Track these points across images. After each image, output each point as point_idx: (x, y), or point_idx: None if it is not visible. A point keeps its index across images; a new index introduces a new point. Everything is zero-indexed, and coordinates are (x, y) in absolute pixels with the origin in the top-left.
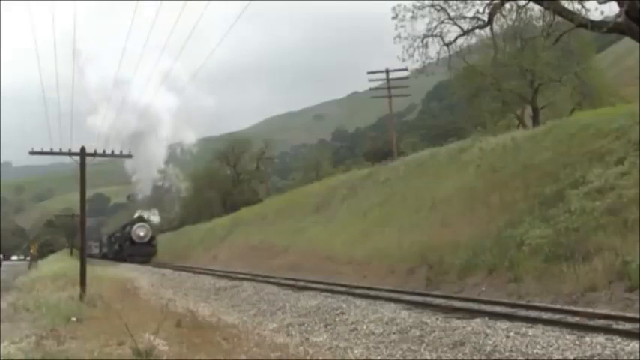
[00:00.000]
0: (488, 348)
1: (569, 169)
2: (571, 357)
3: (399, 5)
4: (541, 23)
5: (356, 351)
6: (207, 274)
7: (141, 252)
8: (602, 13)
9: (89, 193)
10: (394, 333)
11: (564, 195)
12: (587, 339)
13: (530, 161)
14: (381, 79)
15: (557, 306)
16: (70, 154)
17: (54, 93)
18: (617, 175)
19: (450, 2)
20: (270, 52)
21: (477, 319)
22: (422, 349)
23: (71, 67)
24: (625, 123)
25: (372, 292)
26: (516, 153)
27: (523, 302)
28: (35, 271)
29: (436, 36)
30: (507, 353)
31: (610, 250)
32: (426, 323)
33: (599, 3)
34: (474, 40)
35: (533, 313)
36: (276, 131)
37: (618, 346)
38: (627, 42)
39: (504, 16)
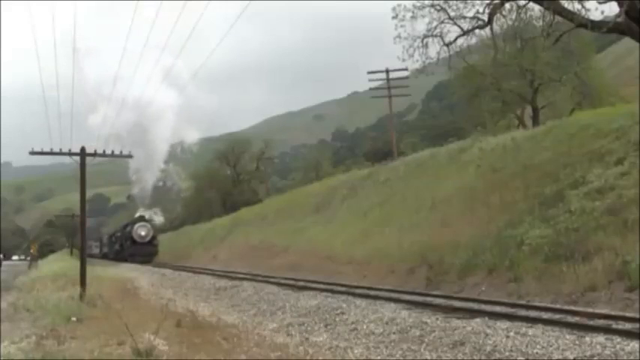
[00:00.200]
0: (488, 348)
1: (569, 169)
2: (571, 357)
3: (399, 5)
4: (541, 23)
5: (356, 351)
6: (207, 274)
7: (142, 252)
8: (602, 13)
9: (89, 193)
10: (394, 333)
11: (564, 195)
12: (587, 339)
13: (530, 161)
14: (381, 79)
15: (557, 306)
16: (70, 154)
17: (54, 93)
18: (617, 175)
19: (450, 2)
20: (270, 52)
21: (477, 319)
22: (422, 349)
23: (71, 67)
24: (625, 123)
25: (372, 292)
26: (516, 153)
27: (523, 302)
28: (35, 271)
29: (436, 36)
30: (507, 353)
31: (610, 250)
32: (426, 323)
33: (599, 3)
34: (474, 40)
35: (533, 313)
36: (276, 131)
37: (618, 346)
38: (627, 42)
39: (504, 16)
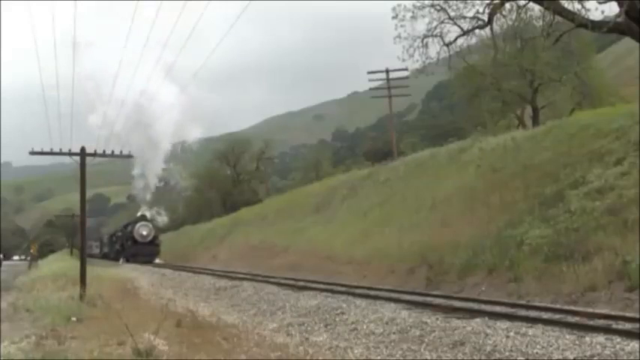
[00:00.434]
0: (488, 348)
1: (569, 169)
2: (571, 357)
3: (399, 5)
4: (541, 23)
5: (356, 351)
6: (207, 274)
7: (144, 252)
8: (602, 12)
9: (89, 193)
10: (394, 333)
11: (564, 195)
12: (587, 339)
13: (530, 161)
14: (381, 79)
15: (557, 306)
16: (70, 154)
17: (54, 93)
18: (617, 175)
19: (450, 2)
20: (270, 52)
21: (477, 319)
22: (422, 349)
23: (71, 68)
24: (625, 123)
25: (372, 292)
26: (516, 153)
27: (523, 302)
28: (35, 271)
29: (436, 36)
30: (507, 353)
31: (610, 250)
32: (426, 323)
33: (599, 3)
34: (474, 40)
35: (533, 313)
36: (276, 131)
37: (618, 346)
38: (627, 42)
39: (504, 16)
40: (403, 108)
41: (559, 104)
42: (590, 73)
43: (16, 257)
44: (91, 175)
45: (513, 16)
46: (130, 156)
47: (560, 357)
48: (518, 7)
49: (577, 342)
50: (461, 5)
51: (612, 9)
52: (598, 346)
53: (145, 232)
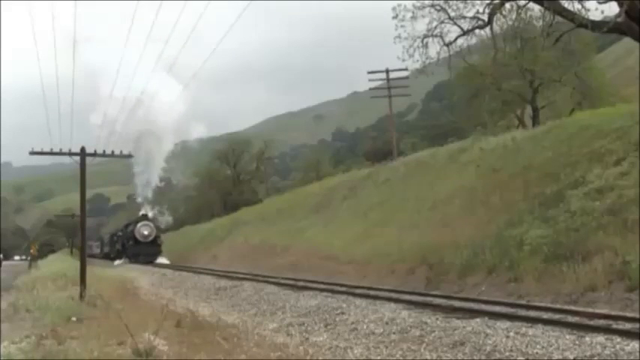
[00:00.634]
0: (488, 348)
1: (569, 169)
2: (571, 357)
3: (399, 5)
4: (541, 23)
5: (356, 351)
6: (208, 274)
7: (145, 252)
8: (602, 12)
9: (89, 193)
10: (394, 333)
11: (564, 195)
12: (587, 339)
13: (531, 161)
14: (381, 79)
15: (557, 306)
16: (70, 154)
17: (54, 93)
18: (617, 175)
19: (450, 2)
20: (270, 52)
21: (477, 319)
22: (422, 349)
23: (72, 68)
24: (625, 123)
25: (372, 292)
26: (516, 153)
27: (523, 302)
28: (35, 271)
29: (436, 36)
30: (507, 353)
31: (610, 250)
32: (426, 323)
33: (599, 3)
34: (474, 40)
35: (533, 313)
36: (276, 131)
37: (618, 346)
38: (627, 42)
39: (504, 16)
40: (403, 108)
41: (559, 104)
42: (590, 73)
43: (17, 257)
44: (91, 175)
45: (513, 16)
46: (130, 156)
47: (560, 357)
48: (518, 7)
49: (577, 342)
50: (461, 5)
51: (612, 9)
52: (598, 346)
53: (146, 232)
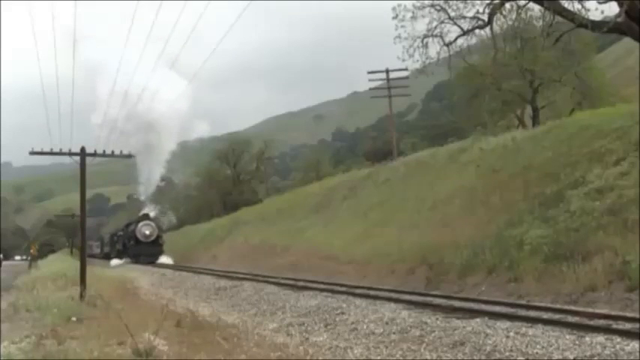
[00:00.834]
0: (488, 348)
1: (569, 169)
2: (571, 357)
3: (399, 5)
4: (541, 23)
5: (356, 351)
6: (208, 274)
7: (146, 252)
8: (602, 12)
9: (89, 193)
10: (394, 333)
11: (564, 195)
12: (587, 339)
13: (531, 161)
14: (381, 79)
15: (557, 306)
16: (70, 154)
17: (54, 92)
18: (617, 175)
19: (450, 2)
20: (270, 51)
21: (477, 319)
22: (422, 349)
23: (72, 68)
24: (625, 123)
25: (372, 292)
26: (516, 153)
27: (523, 302)
28: (35, 271)
29: (436, 36)
30: (507, 353)
31: (610, 250)
32: (426, 323)
33: (599, 3)
34: (474, 40)
35: (533, 313)
36: (276, 131)
37: (618, 346)
38: (627, 42)
39: (504, 16)
40: (403, 108)
41: (559, 104)
42: (590, 73)
43: (17, 257)
44: (91, 175)
45: (513, 16)
46: (130, 156)
47: (560, 357)
48: (518, 7)
49: (577, 342)
50: (461, 5)
51: (612, 9)
52: (598, 346)
53: (147, 232)
